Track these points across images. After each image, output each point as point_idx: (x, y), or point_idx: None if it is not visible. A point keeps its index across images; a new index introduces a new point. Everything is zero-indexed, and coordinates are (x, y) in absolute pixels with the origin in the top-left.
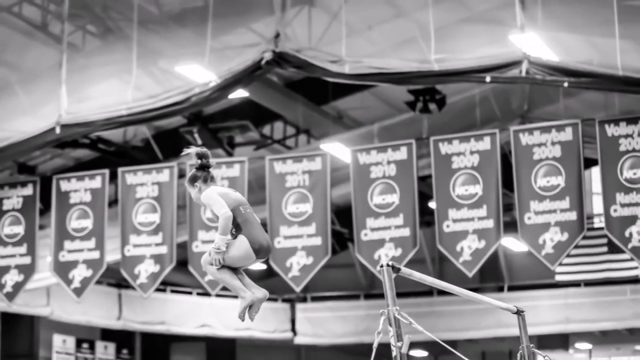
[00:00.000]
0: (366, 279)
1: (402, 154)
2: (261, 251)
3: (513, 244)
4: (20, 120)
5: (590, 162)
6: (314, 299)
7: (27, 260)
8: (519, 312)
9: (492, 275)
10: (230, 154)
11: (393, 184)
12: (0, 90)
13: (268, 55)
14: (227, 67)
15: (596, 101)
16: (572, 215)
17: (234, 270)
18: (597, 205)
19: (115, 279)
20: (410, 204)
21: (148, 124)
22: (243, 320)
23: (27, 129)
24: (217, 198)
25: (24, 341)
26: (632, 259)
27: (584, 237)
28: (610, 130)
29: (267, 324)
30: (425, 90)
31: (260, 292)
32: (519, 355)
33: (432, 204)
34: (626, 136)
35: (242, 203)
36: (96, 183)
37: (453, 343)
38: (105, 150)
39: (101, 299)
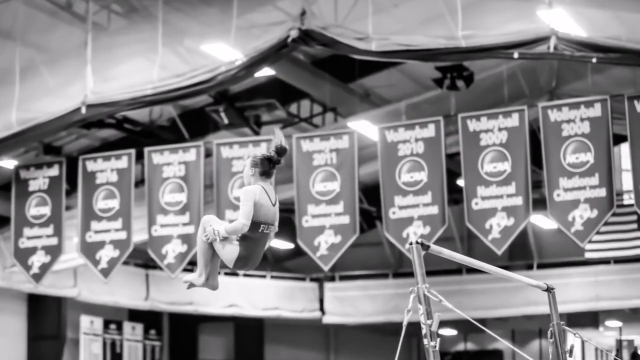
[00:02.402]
0: (394, 258)
1: (430, 131)
2: (239, 267)
3: (542, 221)
4: (46, 101)
5: (619, 139)
6: (342, 277)
7: (53, 241)
8: (549, 290)
9: (521, 253)
10: (257, 133)
11: (421, 162)
12: (25, 71)
13: (294, 33)
14: (253, 46)
15: (625, 77)
16: (602, 192)
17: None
18: (626, 181)
19: (143, 259)
20: (439, 181)
21: (174, 103)
22: (187, 287)
23: (53, 109)
24: (249, 205)
25: (51, 322)
26: None
27: (614, 214)
28: (639, 106)
29: (296, 303)
30: (453, 67)
31: (215, 282)
32: (549, 332)
33: (460, 182)
34: None
35: (268, 222)
36: (122, 163)
37: (482, 321)
38: (131, 130)
39: (128, 280)
